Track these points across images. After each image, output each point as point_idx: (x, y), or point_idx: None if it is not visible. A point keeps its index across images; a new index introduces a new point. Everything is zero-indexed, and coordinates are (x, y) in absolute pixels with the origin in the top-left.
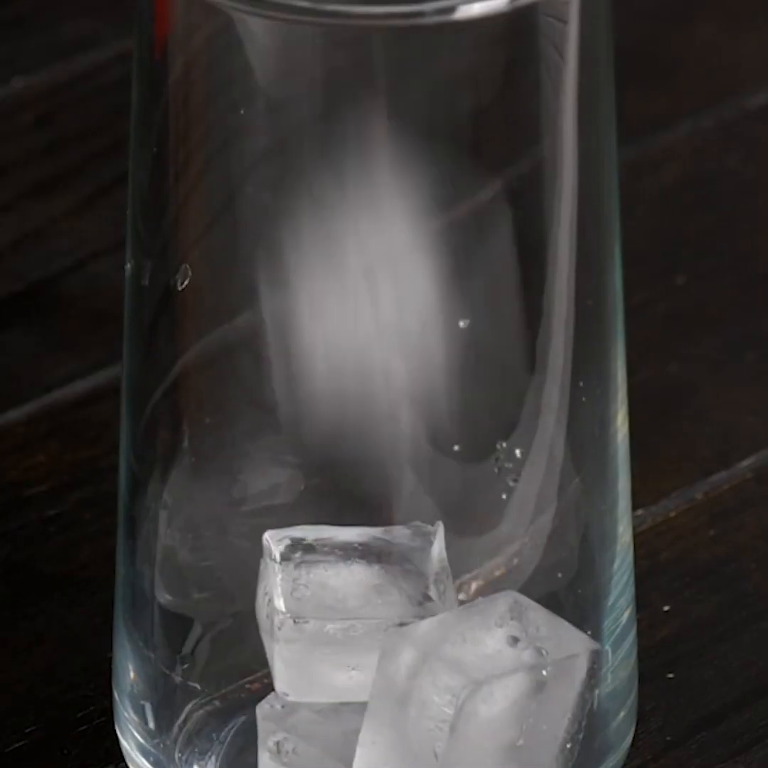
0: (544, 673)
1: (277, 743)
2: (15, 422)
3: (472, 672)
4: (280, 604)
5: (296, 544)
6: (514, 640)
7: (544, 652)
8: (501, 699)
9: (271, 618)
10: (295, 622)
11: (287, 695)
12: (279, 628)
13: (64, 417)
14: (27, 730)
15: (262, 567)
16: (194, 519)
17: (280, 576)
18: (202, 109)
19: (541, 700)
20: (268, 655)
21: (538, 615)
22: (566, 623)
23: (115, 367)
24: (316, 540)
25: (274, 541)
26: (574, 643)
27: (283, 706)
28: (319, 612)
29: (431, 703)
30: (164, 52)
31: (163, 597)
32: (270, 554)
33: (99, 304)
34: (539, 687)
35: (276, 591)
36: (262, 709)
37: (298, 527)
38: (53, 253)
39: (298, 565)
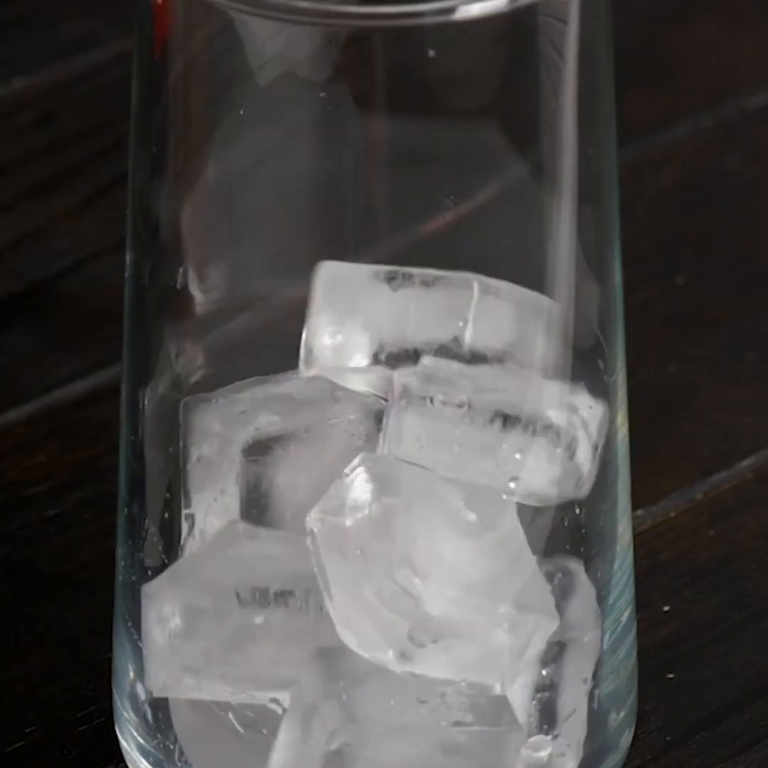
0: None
1: None
2: (15, 422)
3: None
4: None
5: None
6: (424, 702)
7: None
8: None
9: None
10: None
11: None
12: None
13: (64, 417)
14: (27, 730)
15: None
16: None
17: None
18: (202, 109)
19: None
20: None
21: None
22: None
23: (115, 367)
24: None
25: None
26: (497, 742)
27: None
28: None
29: (303, 740)
30: (164, 52)
31: None
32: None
33: (99, 304)
34: (453, 749)
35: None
36: None
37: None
38: (53, 253)
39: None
